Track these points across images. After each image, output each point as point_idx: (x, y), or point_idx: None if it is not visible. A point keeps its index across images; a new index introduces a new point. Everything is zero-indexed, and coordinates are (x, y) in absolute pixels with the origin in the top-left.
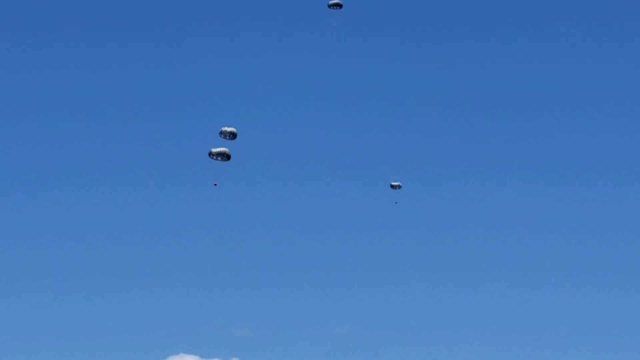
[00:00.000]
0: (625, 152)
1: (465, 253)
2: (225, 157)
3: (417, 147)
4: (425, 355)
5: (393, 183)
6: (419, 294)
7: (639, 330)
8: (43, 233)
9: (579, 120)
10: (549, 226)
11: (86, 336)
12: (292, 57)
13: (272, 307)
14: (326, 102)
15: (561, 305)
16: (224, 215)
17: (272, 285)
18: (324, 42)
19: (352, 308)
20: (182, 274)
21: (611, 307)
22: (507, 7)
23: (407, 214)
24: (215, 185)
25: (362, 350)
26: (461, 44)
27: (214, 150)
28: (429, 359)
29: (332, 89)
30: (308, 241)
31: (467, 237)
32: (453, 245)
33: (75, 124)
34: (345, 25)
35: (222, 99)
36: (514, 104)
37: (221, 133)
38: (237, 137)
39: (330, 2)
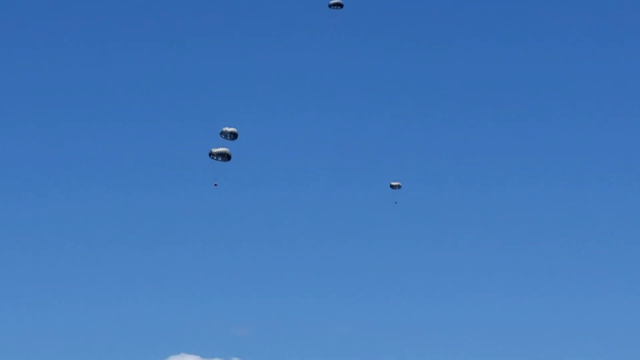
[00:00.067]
0: (626, 152)
1: (465, 253)
2: (226, 157)
3: (417, 147)
4: (426, 355)
5: (393, 183)
6: (419, 294)
7: (639, 330)
8: (43, 233)
9: (579, 120)
10: (549, 226)
11: (87, 336)
12: (293, 57)
13: (273, 307)
14: (326, 102)
15: (561, 305)
16: (225, 215)
17: (272, 285)
18: (325, 42)
19: (353, 308)
20: (182, 274)
21: (611, 307)
22: (507, 7)
23: (407, 214)
24: (215, 185)
25: (362, 350)
26: (461, 44)
27: (215, 150)
28: (429, 359)
29: (333, 89)
30: (308, 241)
31: (467, 237)
32: (453, 245)
33: (75, 124)
34: (346, 25)
35: (223, 99)
36: (514, 104)
37: (222, 133)
38: (238, 137)
39: (331, 2)
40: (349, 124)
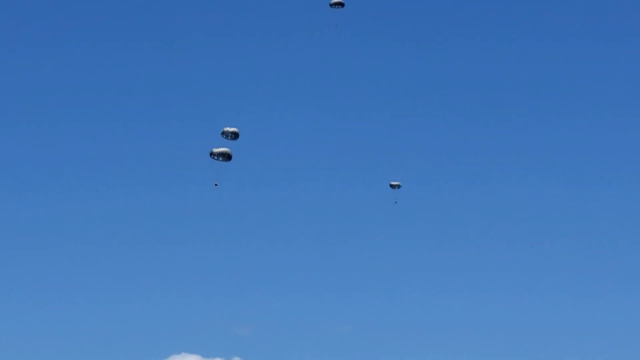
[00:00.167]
0: (627, 151)
1: (466, 252)
2: (227, 157)
3: (417, 147)
4: (427, 354)
5: (393, 182)
6: (420, 294)
7: (639, 330)
8: (44, 233)
9: (580, 120)
10: (550, 226)
11: (88, 336)
12: (294, 57)
13: (274, 306)
14: (327, 101)
15: (561, 305)
16: (225, 215)
17: (273, 284)
18: (326, 41)
19: (354, 307)
20: (183, 274)
21: (611, 307)
22: (508, 7)
23: (407, 214)
24: (216, 185)
25: (363, 350)
26: (462, 44)
27: (216, 150)
28: (430, 358)
29: (334, 89)
30: (309, 241)
31: (468, 237)
32: (453, 245)
33: (75, 124)
34: (347, 25)
35: (224, 99)
36: (514, 103)
37: (223, 133)
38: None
39: (332, 1)
40: (349, 124)
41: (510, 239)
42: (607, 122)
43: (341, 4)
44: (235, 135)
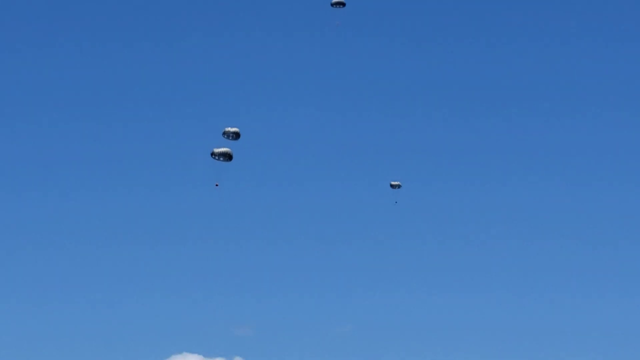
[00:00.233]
0: (627, 151)
1: (466, 252)
2: (228, 157)
3: (417, 147)
4: (428, 354)
5: (393, 182)
6: (420, 293)
7: (639, 331)
8: (43, 233)
9: (580, 120)
10: (550, 225)
11: (89, 335)
12: (295, 56)
13: (275, 306)
14: (327, 101)
15: (561, 305)
16: (226, 215)
17: (274, 284)
18: (327, 41)
19: (354, 307)
20: (184, 274)
21: (611, 307)
22: (508, 7)
23: (407, 214)
24: (216, 185)
25: (364, 349)
26: (462, 44)
27: (217, 150)
28: (431, 358)
29: (334, 89)
30: (309, 240)
31: (468, 237)
32: (454, 245)
33: (75, 124)
34: (348, 24)
35: (224, 99)
36: (515, 103)
37: (224, 133)
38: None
39: (333, 1)
40: (350, 124)
41: (510, 239)
42: (607, 122)
43: (342, 4)
44: (236, 136)
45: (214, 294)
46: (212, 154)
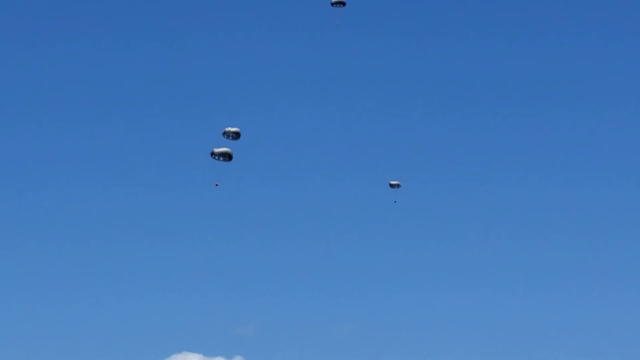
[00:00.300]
0: (627, 151)
1: (466, 252)
2: (228, 157)
3: (417, 147)
4: (430, 354)
5: (392, 182)
6: (421, 293)
7: (639, 331)
8: (43, 232)
9: (580, 120)
10: (550, 226)
11: (89, 335)
12: (295, 56)
13: (276, 305)
14: (327, 101)
15: (561, 304)
16: (226, 215)
17: (275, 283)
18: (327, 40)
19: (356, 307)
20: (185, 273)
21: (611, 307)
22: (508, 7)
23: (407, 213)
24: (216, 185)
25: (366, 349)
26: (462, 43)
27: (217, 150)
28: (433, 357)
29: (334, 88)
30: (310, 240)
31: (468, 236)
32: (454, 244)
33: (75, 124)
34: (348, 24)
35: (224, 99)
36: (515, 103)
37: (225, 133)
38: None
39: (333, 0)
40: (350, 123)
41: (510, 238)
42: (607, 122)
43: (342, 3)
44: (236, 135)
45: (215, 293)
46: (212, 153)
